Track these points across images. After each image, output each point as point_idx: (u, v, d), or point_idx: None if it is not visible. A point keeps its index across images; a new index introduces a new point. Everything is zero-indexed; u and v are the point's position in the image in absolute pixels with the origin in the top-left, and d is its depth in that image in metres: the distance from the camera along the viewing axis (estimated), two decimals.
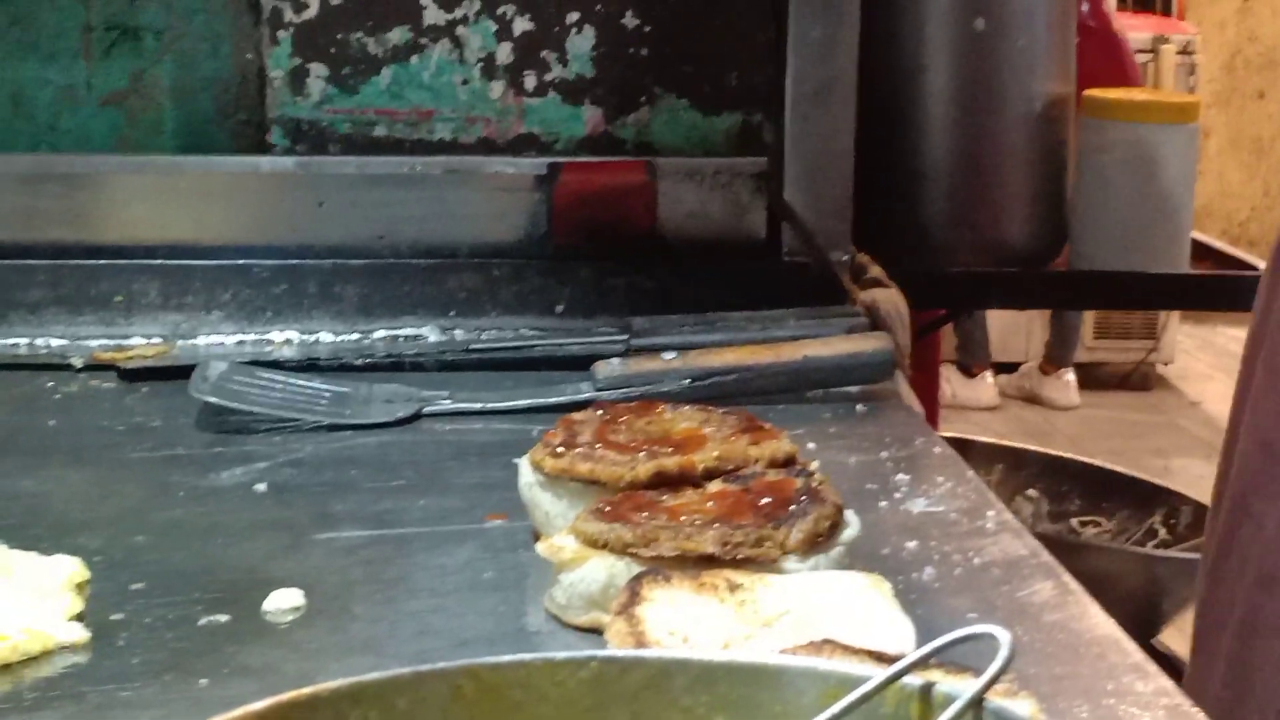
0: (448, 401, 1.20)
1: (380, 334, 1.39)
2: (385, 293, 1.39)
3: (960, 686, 0.51)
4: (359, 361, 1.30)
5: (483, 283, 1.41)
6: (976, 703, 0.49)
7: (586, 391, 1.21)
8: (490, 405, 1.21)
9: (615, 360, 1.23)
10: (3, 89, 1.45)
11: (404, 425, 1.17)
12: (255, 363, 1.24)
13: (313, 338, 1.37)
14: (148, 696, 0.78)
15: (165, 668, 0.81)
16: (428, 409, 1.20)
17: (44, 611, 0.84)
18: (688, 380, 1.21)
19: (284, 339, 1.37)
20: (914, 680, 0.52)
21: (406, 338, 1.39)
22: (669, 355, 1.23)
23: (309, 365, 1.30)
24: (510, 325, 1.41)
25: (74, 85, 1.45)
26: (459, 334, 1.40)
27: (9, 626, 0.81)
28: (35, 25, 1.43)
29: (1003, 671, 0.50)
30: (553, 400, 1.21)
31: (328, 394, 1.19)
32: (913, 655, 0.52)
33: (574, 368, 1.30)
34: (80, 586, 0.88)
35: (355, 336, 1.38)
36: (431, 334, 1.39)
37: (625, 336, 1.35)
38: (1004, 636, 0.50)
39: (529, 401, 1.21)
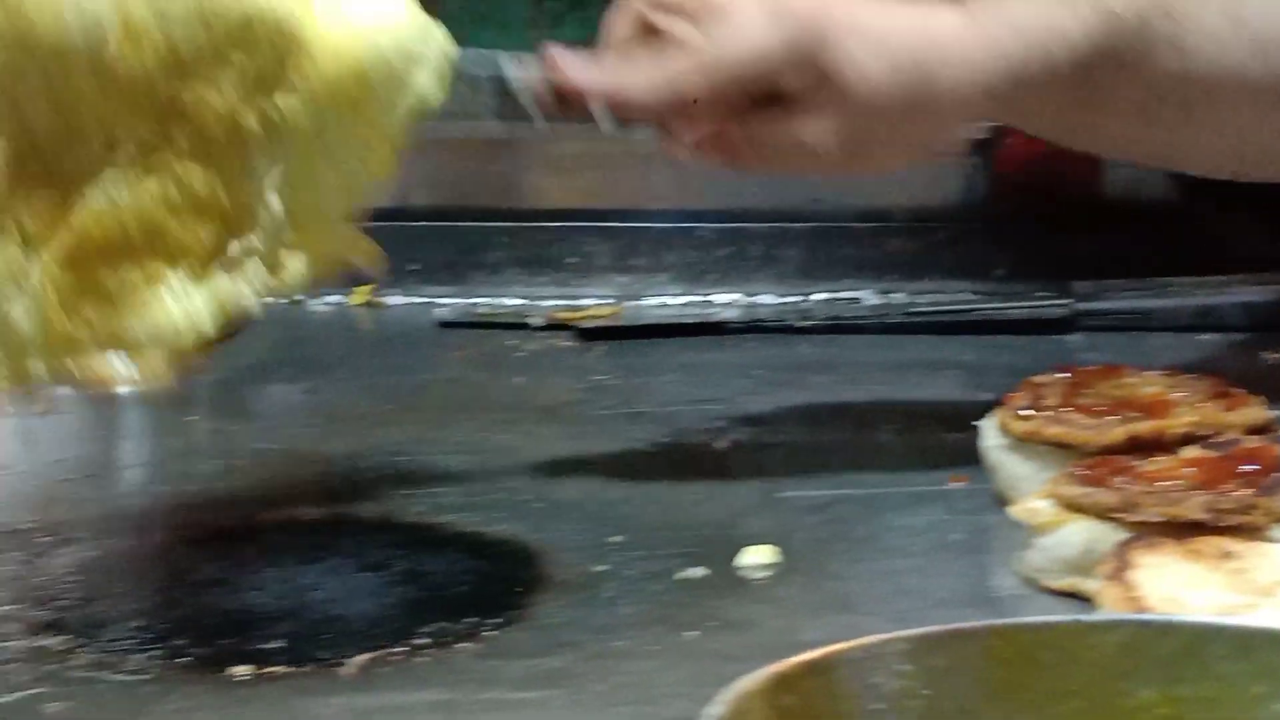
0: None
1: (820, 296, 1.40)
2: (825, 256, 1.40)
3: None
4: (800, 324, 1.32)
5: (921, 246, 1.41)
6: None
7: None
8: None
9: None
10: None
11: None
12: None
13: (754, 299, 1.39)
14: (641, 647, 0.81)
15: (653, 620, 0.83)
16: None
17: None
18: None
19: (727, 301, 1.39)
20: None
21: (845, 300, 1.40)
22: None
23: (752, 327, 1.33)
24: (948, 289, 1.40)
25: (525, 53, 1.50)
26: (897, 297, 1.40)
27: None
28: None
29: None
30: None
31: None
32: None
33: (1013, 333, 1.29)
34: None
35: (796, 299, 1.40)
36: (869, 297, 1.40)
37: (1067, 301, 1.34)
38: None
39: None
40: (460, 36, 1.50)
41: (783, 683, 0.49)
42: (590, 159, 1.43)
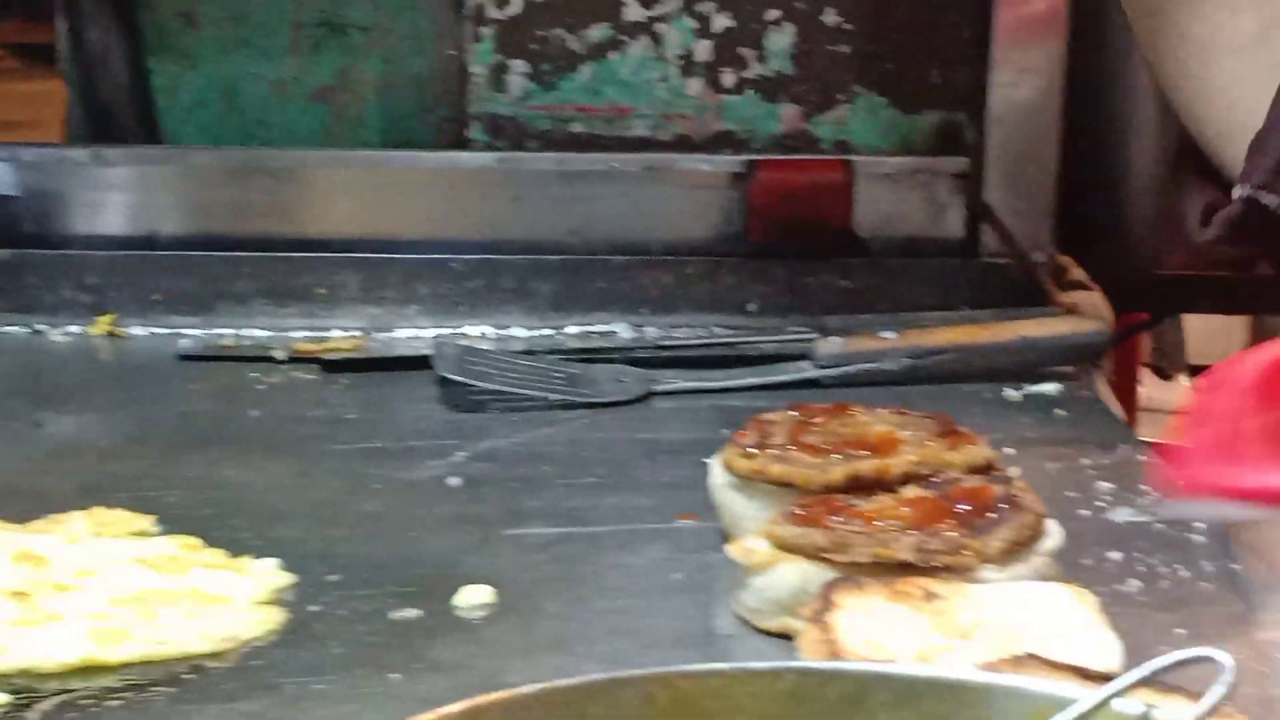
0: (678, 381, 1.23)
1: (572, 329, 1.39)
2: (578, 289, 1.40)
3: (1177, 712, 0.49)
4: (546, 352, 1.31)
5: (675, 280, 1.41)
6: None
7: (809, 371, 1.24)
8: (723, 384, 1.23)
9: (836, 339, 1.26)
10: (216, 84, 1.48)
11: (636, 404, 1.21)
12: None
13: (506, 332, 1.38)
14: (341, 690, 0.79)
15: (358, 662, 0.82)
16: (658, 387, 1.23)
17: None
18: (908, 359, 1.22)
19: (478, 333, 1.37)
20: (1127, 703, 0.50)
21: (598, 333, 1.39)
22: (888, 334, 1.24)
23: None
24: (702, 323, 1.40)
25: (284, 80, 1.48)
26: (650, 331, 1.40)
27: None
28: (248, 22, 1.46)
29: (1226, 699, 0.48)
30: (778, 379, 1.24)
31: (560, 374, 1.23)
32: (1128, 676, 0.50)
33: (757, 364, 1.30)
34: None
35: (548, 332, 1.38)
36: (623, 330, 1.40)
37: (817, 336, 1.34)
38: (1227, 662, 0.48)
39: (758, 380, 1.24)
40: (219, 61, 1.48)
41: None
42: (342, 185, 1.41)
